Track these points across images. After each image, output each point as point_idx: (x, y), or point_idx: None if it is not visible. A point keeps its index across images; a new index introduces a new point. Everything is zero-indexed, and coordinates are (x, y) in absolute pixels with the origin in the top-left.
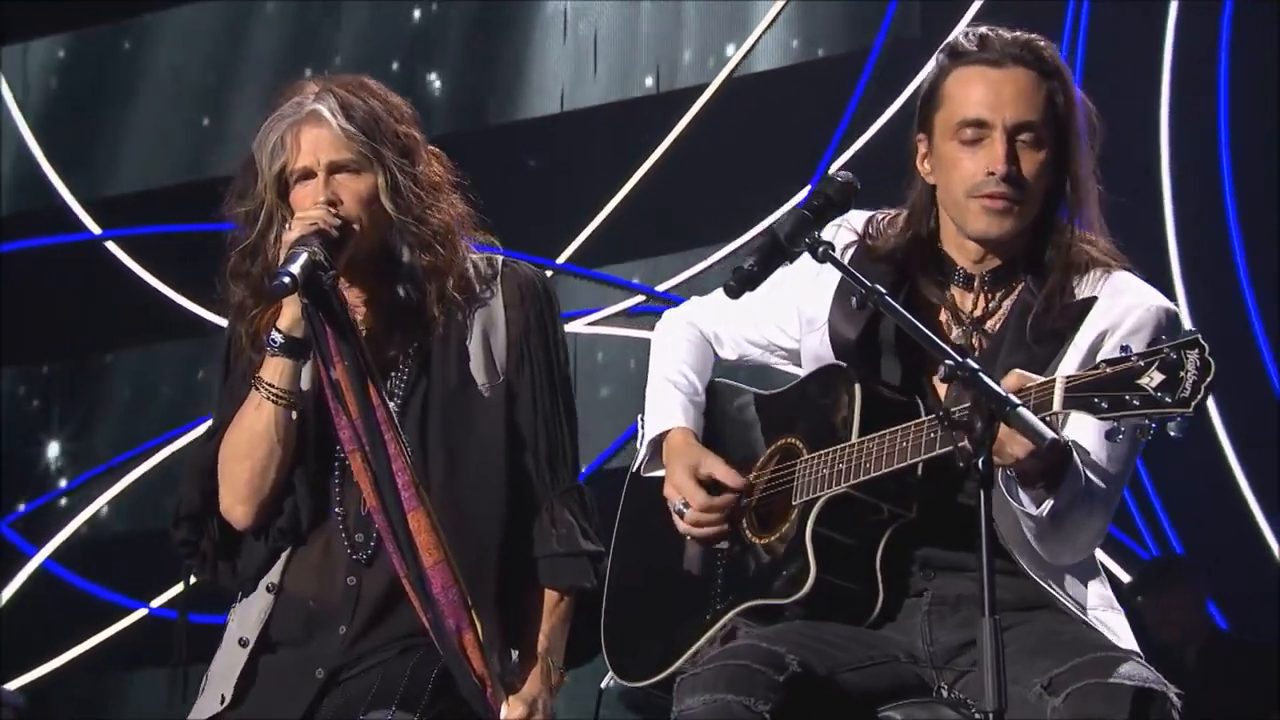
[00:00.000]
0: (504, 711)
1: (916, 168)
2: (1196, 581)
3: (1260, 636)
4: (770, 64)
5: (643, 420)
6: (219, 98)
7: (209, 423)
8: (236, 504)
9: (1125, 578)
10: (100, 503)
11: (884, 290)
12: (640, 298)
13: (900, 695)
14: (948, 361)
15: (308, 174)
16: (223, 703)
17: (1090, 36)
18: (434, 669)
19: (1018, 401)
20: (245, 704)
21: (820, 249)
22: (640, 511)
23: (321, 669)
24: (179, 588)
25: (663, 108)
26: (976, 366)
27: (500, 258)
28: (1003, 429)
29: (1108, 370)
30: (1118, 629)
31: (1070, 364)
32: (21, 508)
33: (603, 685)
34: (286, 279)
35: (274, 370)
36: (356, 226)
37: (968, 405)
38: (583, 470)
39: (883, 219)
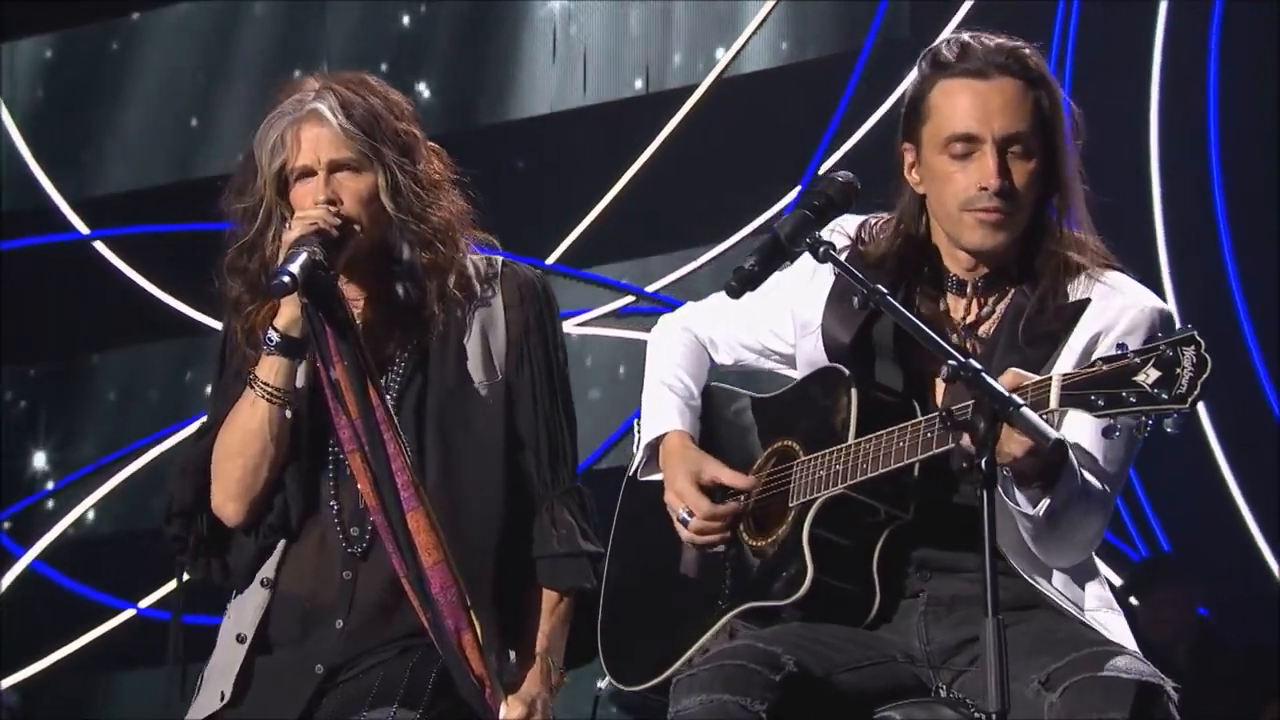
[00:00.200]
0: (503, 711)
1: (904, 177)
2: (1188, 581)
3: (1249, 636)
4: (760, 66)
5: (638, 424)
6: (207, 98)
7: (202, 420)
8: (228, 501)
9: (1115, 579)
10: (88, 503)
11: (885, 290)
12: (630, 298)
13: (897, 695)
14: (951, 362)
15: (308, 172)
16: (222, 700)
17: (1080, 36)
18: (434, 669)
19: (1021, 402)
20: (245, 703)
21: (821, 249)
22: (637, 515)
23: (320, 665)
24: (168, 588)
25: (652, 108)
26: (980, 367)
27: (500, 259)
28: (1005, 430)
29: (1104, 368)
30: (1116, 629)
31: (1065, 366)
32: (9, 509)
33: (600, 687)
34: (286, 278)
35: (269, 369)
36: (357, 227)
37: (968, 405)
38: None
39: (875, 224)
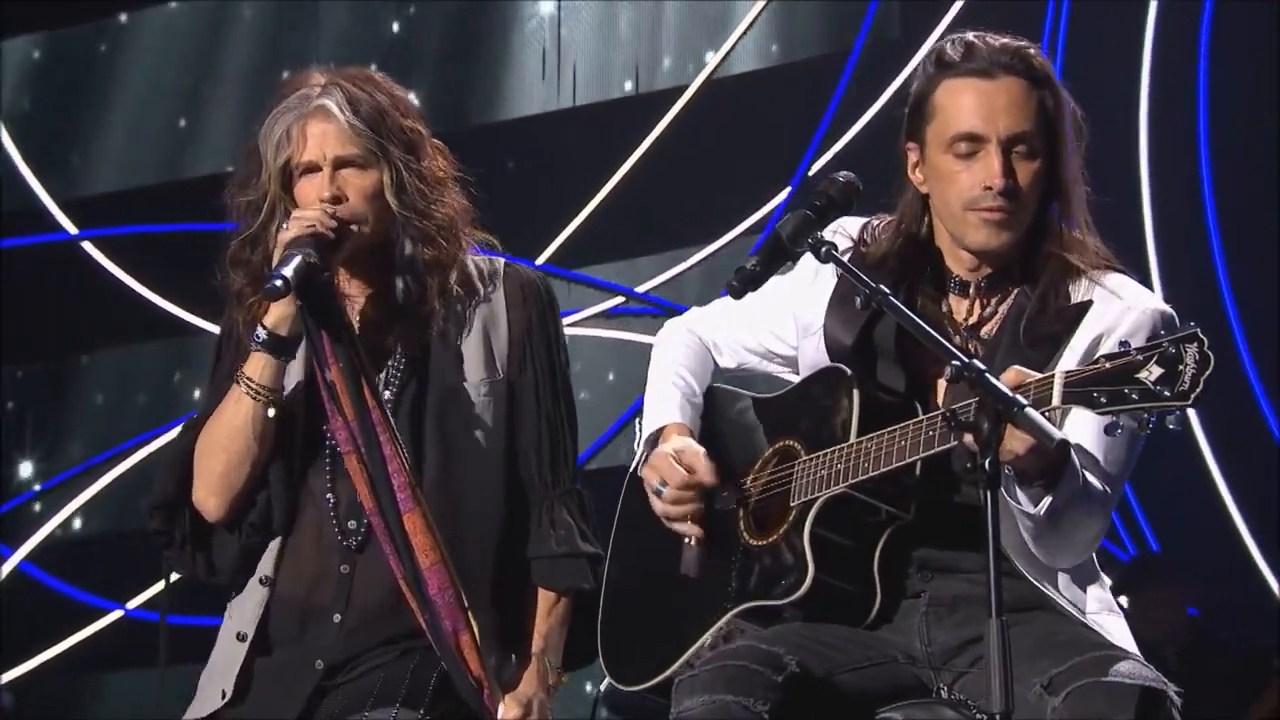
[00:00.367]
0: (500, 712)
1: (908, 176)
2: (1180, 581)
3: (1239, 637)
4: (750, 67)
5: (639, 423)
6: (195, 99)
7: (192, 415)
8: (209, 496)
9: (1105, 579)
10: (76, 504)
11: (888, 290)
12: (620, 299)
13: (898, 696)
14: (954, 362)
15: (313, 167)
16: (223, 698)
17: (1070, 35)
18: (434, 671)
19: (1025, 402)
20: (246, 701)
21: (823, 249)
22: (638, 514)
23: (320, 661)
24: (156, 589)
25: (642, 109)
26: (983, 368)
27: (502, 260)
28: (1008, 429)
29: (1107, 365)
30: (1116, 632)
31: (1067, 367)
32: None
33: (600, 688)
34: (279, 282)
35: (256, 366)
36: (355, 227)
37: (970, 406)
38: None
39: (878, 225)
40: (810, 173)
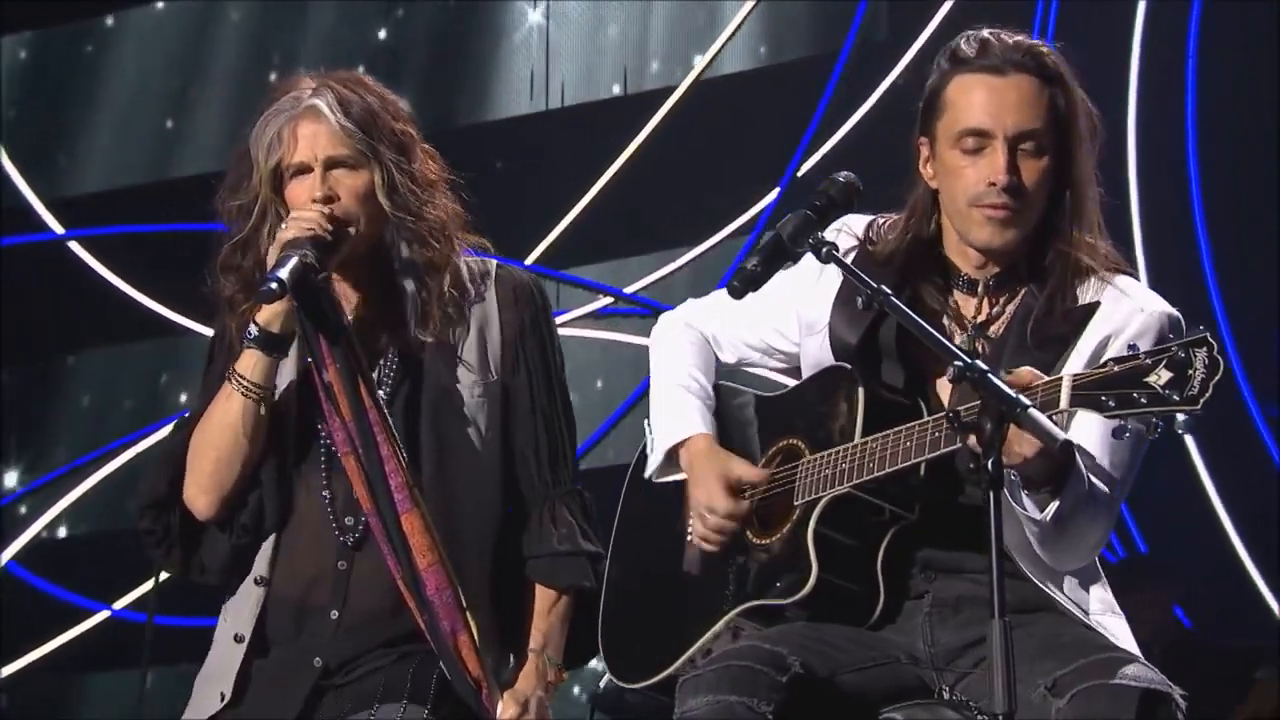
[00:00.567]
0: (498, 710)
1: (919, 171)
2: (1167, 581)
3: (1223, 638)
4: (738, 69)
5: (649, 424)
6: (182, 100)
7: (184, 413)
8: (199, 494)
9: (1107, 582)
10: (62, 505)
11: (889, 291)
12: (608, 299)
13: (901, 697)
14: (957, 362)
15: (304, 169)
16: (223, 700)
17: (1059, 35)
18: (434, 673)
19: (1028, 403)
20: (244, 702)
21: (824, 249)
22: (641, 513)
23: (319, 658)
24: (143, 589)
25: (631, 110)
26: (986, 367)
27: (494, 261)
28: (1014, 431)
29: (1115, 368)
30: (1119, 633)
31: (1073, 368)
32: None
33: (599, 686)
34: (274, 284)
35: (248, 363)
36: (352, 229)
37: (975, 406)
38: None
39: (883, 223)
40: (799, 174)
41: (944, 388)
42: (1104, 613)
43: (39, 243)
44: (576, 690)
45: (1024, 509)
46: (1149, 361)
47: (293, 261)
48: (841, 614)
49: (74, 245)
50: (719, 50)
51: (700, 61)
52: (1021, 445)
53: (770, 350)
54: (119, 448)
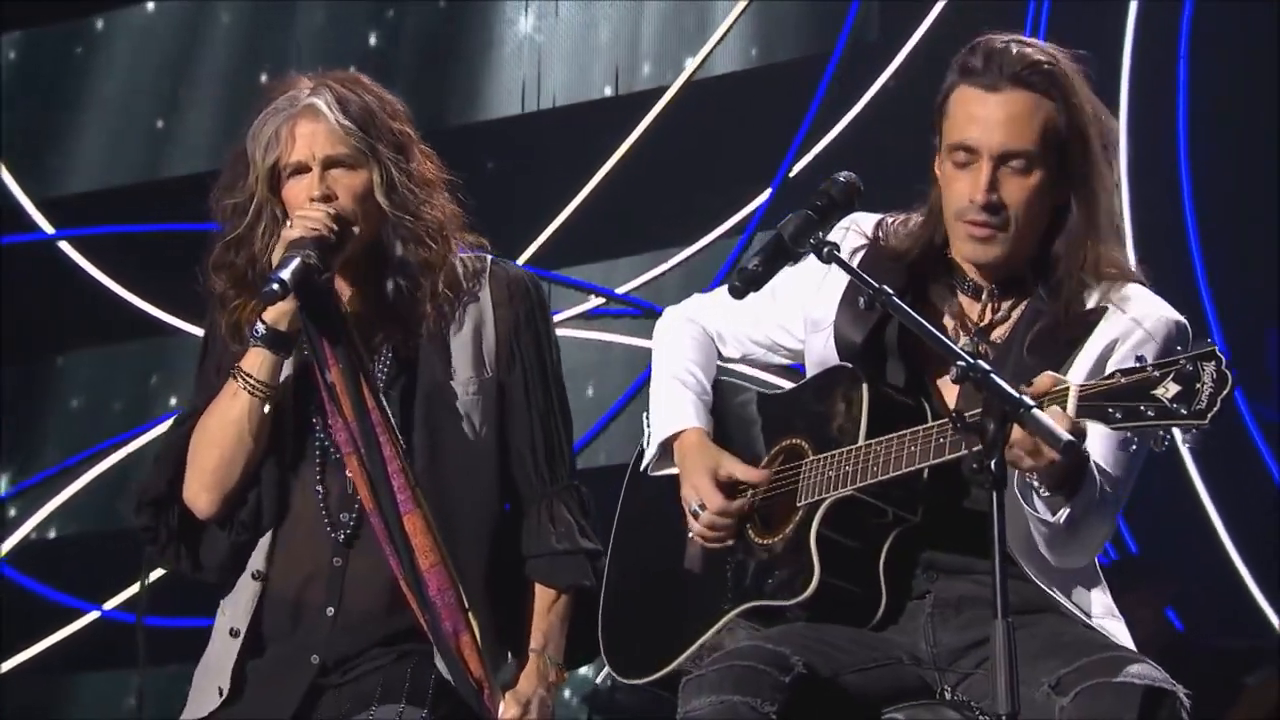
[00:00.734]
0: (500, 710)
1: (935, 171)
2: (1159, 582)
3: (1215, 639)
4: (729, 69)
5: (648, 418)
6: (173, 100)
7: (180, 411)
8: (201, 491)
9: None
10: (52, 506)
11: (891, 291)
12: (599, 300)
13: (903, 697)
14: (960, 362)
15: (302, 168)
16: (220, 695)
17: (1050, 35)
18: (433, 672)
19: (1031, 403)
20: (242, 699)
21: (825, 249)
22: (641, 510)
23: (315, 655)
24: (134, 589)
25: (622, 111)
26: (989, 367)
27: (488, 257)
28: (1023, 436)
29: (1122, 380)
30: (1120, 636)
31: (1079, 373)
32: None
33: (597, 682)
34: (276, 285)
35: (254, 361)
36: (356, 229)
37: (979, 410)
38: None
39: (893, 222)
40: (791, 174)
41: (948, 388)
42: (1105, 616)
43: (29, 243)
44: (568, 694)
45: (1035, 510)
46: (1156, 374)
47: (295, 262)
48: (843, 615)
49: (64, 245)
50: (710, 51)
51: (691, 62)
52: (1032, 452)
53: (775, 346)
54: (109, 448)
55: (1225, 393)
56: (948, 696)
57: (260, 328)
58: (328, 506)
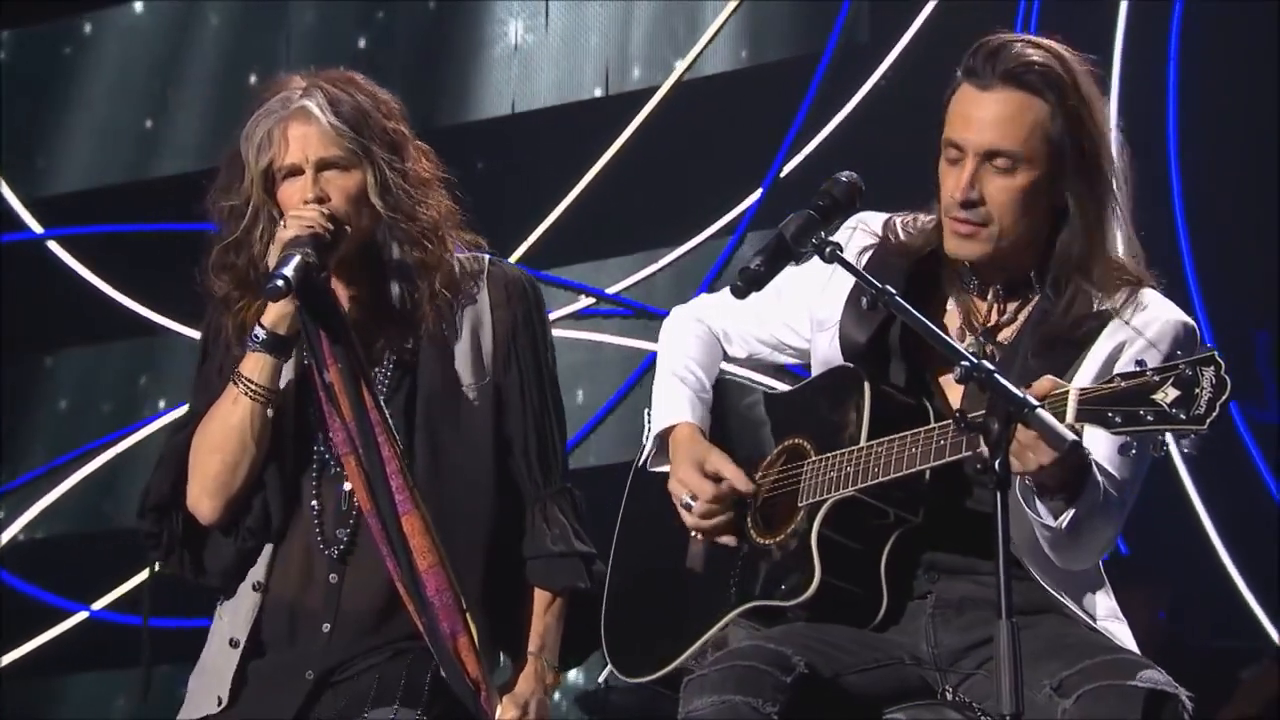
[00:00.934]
0: (497, 713)
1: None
2: (1151, 583)
3: (1207, 639)
4: (719, 70)
5: (649, 415)
6: (162, 100)
7: (180, 412)
8: (204, 497)
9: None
10: (40, 506)
11: (895, 291)
12: (590, 300)
13: (904, 698)
14: (964, 363)
15: (295, 170)
16: (220, 704)
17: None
18: (429, 672)
19: (1036, 403)
20: (238, 707)
21: (828, 250)
22: (643, 508)
23: (310, 671)
24: (121, 590)
25: (612, 111)
26: (992, 367)
27: (486, 257)
28: (1026, 437)
29: (1122, 384)
30: (1124, 639)
31: (1086, 375)
32: None
33: (600, 680)
34: (280, 282)
35: (254, 366)
36: (349, 228)
37: (983, 411)
38: None
39: (902, 221)
40: (782, 175)
41: (952, 389)
42: (1108, 618)
43: (18, 242)
44: (557, 697)
45: (1038, 516)
46: (1156, 379)
47: (295, 260)
48: (844, 616)
49: (53, 245)
50: (701, 51)
51: (681, 63)
52: (1037, 454)
53: (780, 345)
54: (98, 448)
55: (1224, 398)
56: (949, 697)
57: (259, 332)
58: (322, 522)
